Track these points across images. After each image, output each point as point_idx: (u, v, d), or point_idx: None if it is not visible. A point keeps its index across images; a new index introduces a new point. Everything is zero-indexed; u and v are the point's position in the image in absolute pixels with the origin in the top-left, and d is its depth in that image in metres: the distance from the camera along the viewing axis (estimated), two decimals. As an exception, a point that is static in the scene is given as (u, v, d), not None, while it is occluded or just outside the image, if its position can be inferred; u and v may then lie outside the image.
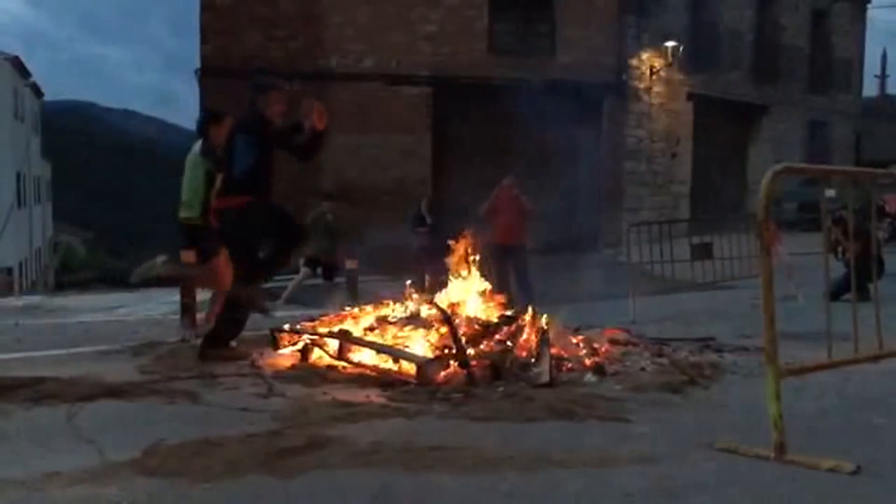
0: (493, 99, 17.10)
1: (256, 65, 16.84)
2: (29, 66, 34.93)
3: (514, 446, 3.30)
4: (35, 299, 14.47)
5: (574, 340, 5.51)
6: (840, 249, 8.15)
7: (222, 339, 5.42)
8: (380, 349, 4.93)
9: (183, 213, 6.28)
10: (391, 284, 6.81)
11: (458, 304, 5.70)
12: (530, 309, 5.62)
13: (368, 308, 5.88)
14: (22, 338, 6.80)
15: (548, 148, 17.53)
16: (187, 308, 6.79)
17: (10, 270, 29.86)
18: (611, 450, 3.26)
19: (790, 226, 16.36)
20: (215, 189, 5.68)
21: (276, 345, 5.61)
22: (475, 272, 6.06)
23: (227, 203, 5.35)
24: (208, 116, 6.32)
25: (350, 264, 10.69)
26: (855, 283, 3.98)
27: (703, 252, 11.40)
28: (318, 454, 3.17)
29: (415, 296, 5.75)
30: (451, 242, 6.21)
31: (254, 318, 5.72)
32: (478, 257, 6.12)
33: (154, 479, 2.88)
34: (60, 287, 32.75)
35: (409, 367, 4.62)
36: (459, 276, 6.03)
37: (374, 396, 4.29)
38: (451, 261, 6.13)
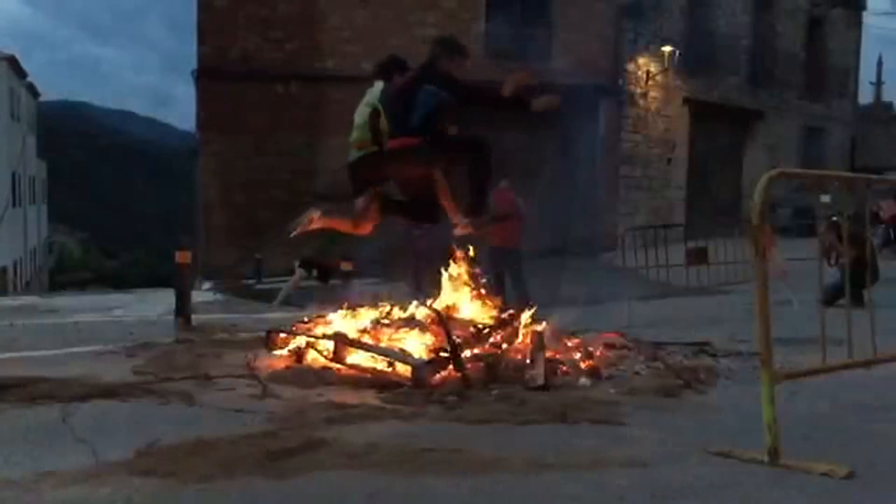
0: (489, 102, 17.11)
1: (253, 66, 16.88)
2: (25, 66, 34.89)
3: (508, 449, 3.31)
4: (30, 299, 14.44)
5: (569, 344, 5.51)
6: (834, 255, 8.17)
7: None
8: (375, 351, 4.92)
9: (353, 137, 6.17)
10: (387, 286, 6.81)
11: (453, 306, 5.70)
12: (525, 312, 5.63)
13: (364, 310, 5.87)
14: (16, 338, 6.78)
15: (544, 151, 17.56)
16: (182, 309, 6.79)
17: (4, 270, 29.78)
18: (605, 453, 3.26)
19: (785, 231, 16.41)
20: (381, 130, 5.68)
21: (270, 346, 5.61)
22: (471, 275, 6.06)
23: (402, 142, 5.41)
24: (398, 62, 6.29)
25: (345, 266, 10.70)
26: (849, 289, 3.99)
27: (698, 257, 11.45)
28: (312, 456, 3.17)
29: (410, 298, 5.75)
30: (447, 245, 6.21)
31: (253, 319, 5.72)
32: (473, 260, 6.11)
33: (148, 479, 2.88)
34: (55, 287, 32.76)
35: (404, 370, 4.62)
36: (455, 278, 6.02)
37: (369, 398, 4.29)
38: (448, 263, 6.12)
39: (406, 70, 5.97)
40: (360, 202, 5.94)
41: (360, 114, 6.02)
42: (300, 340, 5.41)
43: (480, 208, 5.61)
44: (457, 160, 5.61)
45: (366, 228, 6.04)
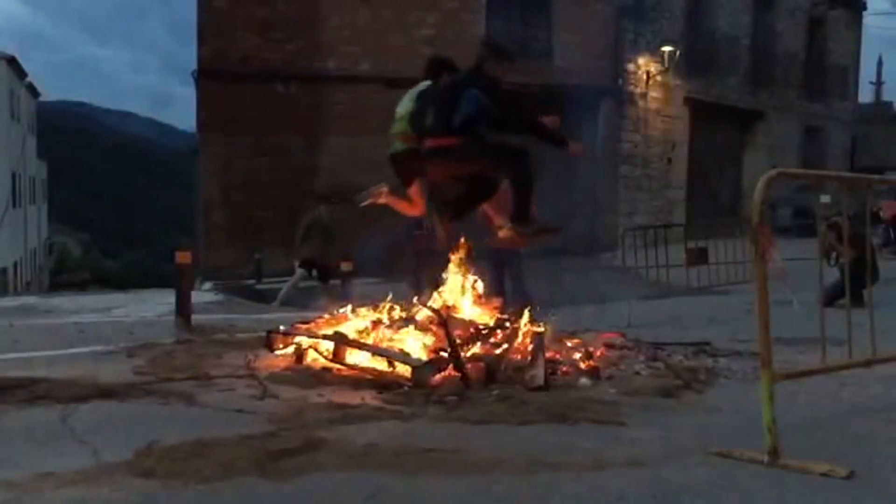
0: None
1: (254, 66, 16.87)
2: (25, 67, 34.90)
3: (508, 449, 3.31)
4: (30, 300, 14.43)
5: (569, 344, 5.51)
6: (834, 255, 8.17)
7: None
8: (375, 351, 4.92)
9: (395, 128, 6.24)
10: (387, 287, 6.81)
11: (453, 306, 5.70)
12: (525, 312, 5.63)
13: (364, 310, 5.88)
14: (17, 338, 6.78)
15: (544, 152, 17.54)
16: (182, 309, 6.79)
17: (4, 271, 29.78)
18: (605, 453, 3.26)
19: (785, 231, 16.41)
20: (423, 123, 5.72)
21: (270, 346, 5.61)
22: (471, 275, 6.06)
23: (441, 142, 5.42)
24: (447, 62, 6.34)
25: (345, 266, 10.70)
26: (849, 289, 4.00)
27: (698, 257, 11.46)
28: (312, 456, 3.17)
29: (410, 298, 5.75)
30: (447, 246, 6.21)
31: (253, 319, 5.72)
32: (474, 260, 6.12)
33: (148, 480, 2.88)
34: (55, 288, 32.73)
35: (403, 370, 4.62)
36: (455, 278, 6.02)
37: (369, 399, 4.29)
38: (447, 263, 6.12)
39: (455, 71, 6.06)
40: (412, 190, 6.09)
41: (404, 105, 6.10)
42: (300, 341, 5.41)
43: (524, 217, 5.57)
44: (495, 167, 5.60)
45: (418, 210, 6.20)
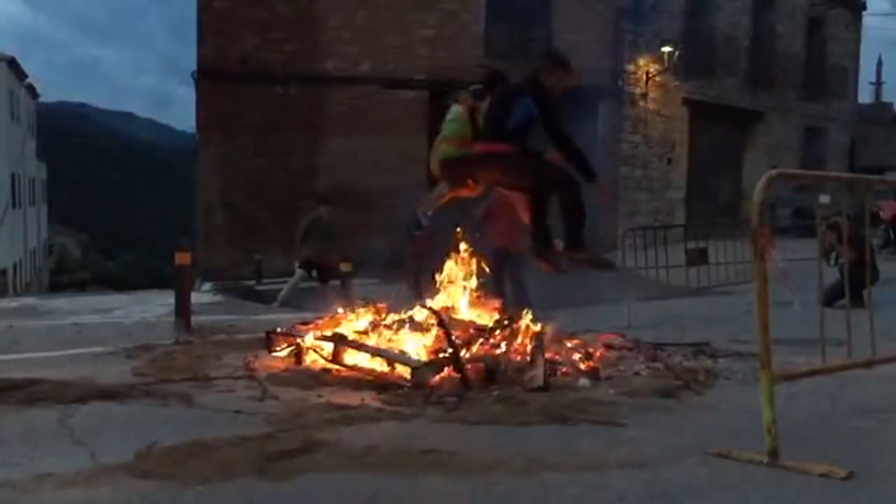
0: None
1: (253, 67, 16.87)
2: (25, 68, 34.91)
3: (507, 450, 3.30)
4: (29, 301, 14.43)
5: (569, 345, 5.51)
6: (834, 255, 8.16)
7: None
8: (374, 352, 4.92)
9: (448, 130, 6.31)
10: (387, 287, 6.81)
11: (452, 307, 5.70)
12: (525, 313, 5.62)
13: (363, 311, 5.87)
14: (16, 339, 6.77)
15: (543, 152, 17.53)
16: (181, 310, 6.79)
17: (4, 272, 29.77)
18: (604, 454, 3.26)
19: (784, 232, 16.41)
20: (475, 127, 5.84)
21: (270, 347, 5.61)
22: (471, 276, 6.06)
23: (492, 147, 5.46)
24: (501, 75, 6.46)
25: (345, 267, 10.70)
26: (849, 290, 3.99)
27: (698, 257, 11.45)
28: (311, 457, 3.17)
29: (410, 299, 5.75)
30: (446, 246, 6.22)
31: (252, 320, 5.72)
32: (474, 261, 6.11)
33: (147, 481, 2.88)
34: (55, 288, 32.73)
35: (403, 371, 4.62)
36: (455, 279, 6.02)
37: (369, 400, 4.29)
38: (447, 265, 6.12)
39: (502, 80, 6.18)
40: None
41: (455, 109, 6.21)
42: (300, 342, 5.40)
43: (578, 244, 5.54)
44: (544, 189, 5.57)
45: (479, 190, 6.27)
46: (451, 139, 6.12)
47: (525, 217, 5.84)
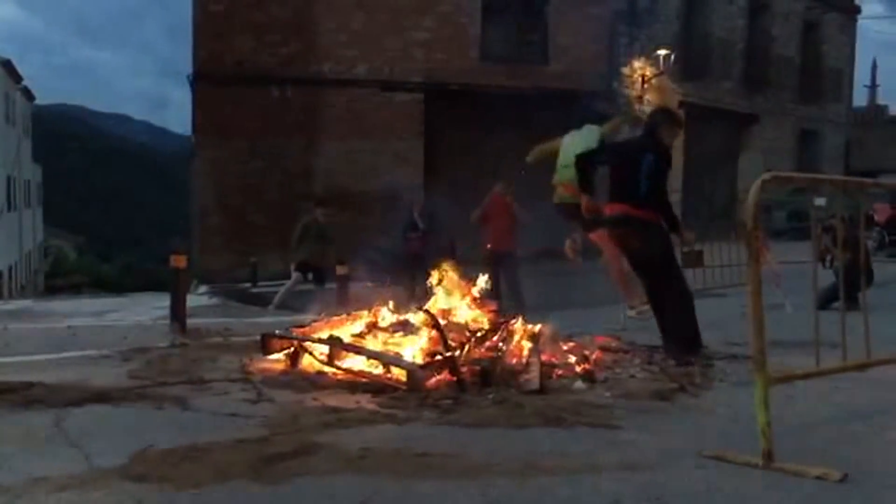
0: (485, 106, 17.13)
1: (249, 70, 16.87)
2: (21, 70, 34.85)
3: (503, 453, 3.31)
4: (25, 304, 14.40)
5: (564, 347, 5.51)
6: (829, 258, 8.18)
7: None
8: (370, 355, 4.92)
9: (565, 176, 6.70)
10: (383, 290, 6.81)
11: (448, 310, 5.70)
12: (521, 316, 5.62)
13: (359, 314, 5.87)
14: (10, 342, 6.76)
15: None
16: (177, 313, 6.78)
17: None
18: (600, 457, 3.26)
19: (779, 234, 16.43)
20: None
21: (266, 350, 5.59)
22: (466, 279, 6.06)
23: (635, 212, 5.56)
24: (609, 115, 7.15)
25: (341, 270, 10.69)
26: (843, 292, 4.00)
27: (693, 260, 11.44)
28: (307, 460, 3.16)
29: (405, 301, 5.75)
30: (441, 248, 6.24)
31: (248, 323, 5.71)
32: (469, 263, 6.13)
33: (141, 484, 2.87)
34: (50, 291, 32.65)
35: (399, 373, 4.62)
36: (450, 281, 6.02)
37: (364, 402, 4.29)
38: (443, 267, 6.12)
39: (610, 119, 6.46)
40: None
41: (574, 149, 6.52)
42: (295, 344, 5.40)
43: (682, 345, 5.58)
44: (654, 260, 5.68)
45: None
46: (567, 185, 6.51)
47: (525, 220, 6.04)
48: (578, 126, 7.37)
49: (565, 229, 7.80)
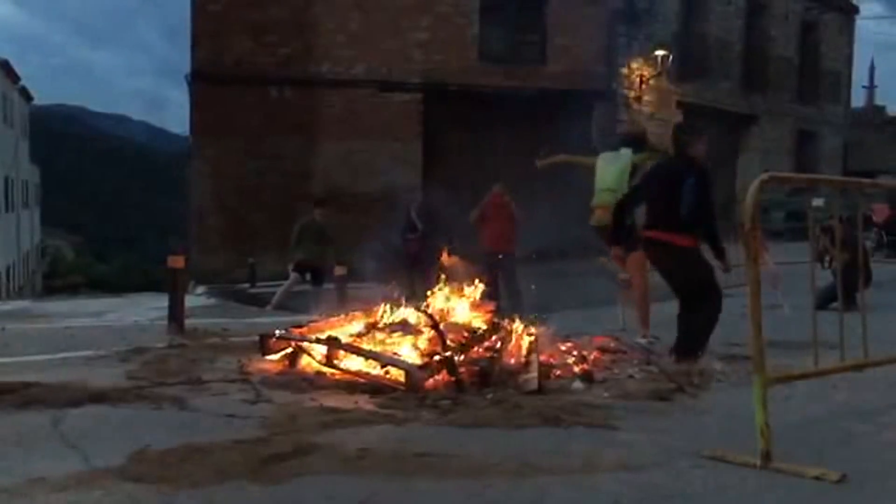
0: (484, 106, 17.13)
1: (248, 70, 16.86)
2: (19, 70, 34.81)
3: (501, 453, 3.30)
4: (22, 304, 14.38)
5: (563, 348, 5.52)
6: (827, 259, 8.19)
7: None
8: (368, 356, 4.91)
9: (607, 201, 6.73)
10: (381, 291, 6.81)
11: (446, 310, 5.70)
12: (519, 316, 5.63)
13: (357, 314, 5.87)
14: (8, 342, 6.75)
15: (538, 155, 17.55)
16: (175, 313, 6.77)
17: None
18: (598, 457, 3.26)
19: (777, 235, 16.44)
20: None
21: (264, 351, 5.59)
22: (464, 279, 6.07)
23: (674, 238, 5.58)
24: (643, 135, 7.39)
25: (339, 270, 10.68)
26: (842, 293, 4.00)
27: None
28: (305, 460, 3.16)
29: (404, 302, 5.75)
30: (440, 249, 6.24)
31: (246, 323, 5.71)
32: (467, 264, 6.13)
33: (139, 485, 2.87)
34: (48, 292, 32.60)
35: (397, 374, 4.62)
36: (448, 282, 6.03)
37: (362, 403, 4.28)
38: (441, 267, 6.13)
39: (646, 144, 6.88)
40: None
41: (610, 177, 6.82)
42: (294, 345, 5.39)
43: (691, 352, 5.59)
44: (692, 286, 5.70)
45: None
46: (606, 209, 6.58)
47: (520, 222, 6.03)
48: (615, 148, 7.36)
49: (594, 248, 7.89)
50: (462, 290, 6.02)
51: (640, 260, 6.60)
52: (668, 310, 6.46)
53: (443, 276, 6.11)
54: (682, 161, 5.74)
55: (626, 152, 7.16)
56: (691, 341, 5.57)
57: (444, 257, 7.47)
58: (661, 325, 7.57)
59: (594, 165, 7.37)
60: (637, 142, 7.16)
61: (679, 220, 5.51)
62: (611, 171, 7.07)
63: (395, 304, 5.79)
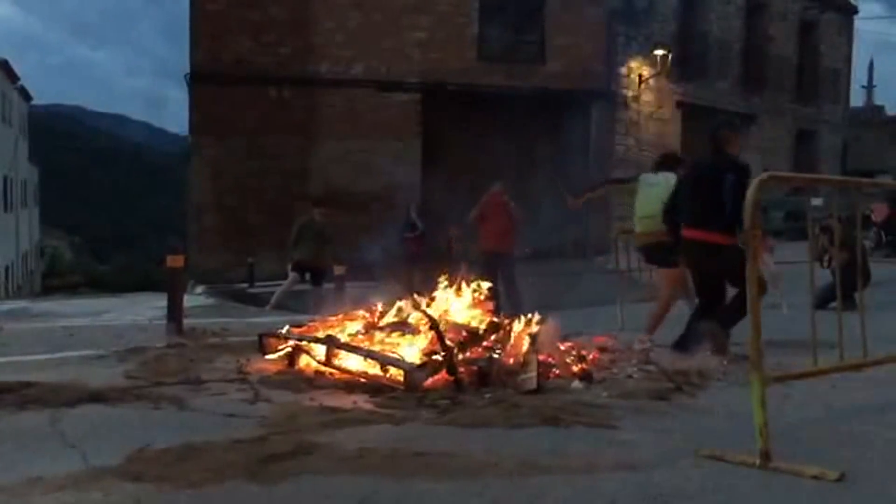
0: (483, 106, 17.14)
1: (247, 70, 16.86)
2: (18, 70, 34.80)
3: (500, 453, 3.30)
4: (21, 304, 14.38)
5: (562, 347, 5.52)
6: (826, 258, 8.19)
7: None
8: (367, 355, 4.91)
9: (649, 228, 6.75)
10: (380, 290, 6.81)
11: (445, 310, 5.70)
12: (518, 316, 5.62)
13: (356, 313, 5.87)
14: (7, 342, 6.75)
15: (536, 155, 17.57)
16: (173, 313, 6.77)
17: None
18: (597, 456, 3.26)
19: (777, 234, 16.45)
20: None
21: (263, 350, 5.59)
22: (463, 278, 6.06)
23: (718, 239, 5.58)
24: (677, 158, 7.19)
25: (339, 270, 10.69)
26: (840, 292, 4.00)
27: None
28: (304, 460, 3.16)
29: (403, 301, 5.75)
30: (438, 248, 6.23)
31: (245, 323, 5.71)
32: (466, 263, 6.13)
33: (138, 484, 2.86)
34: (47, 291, 32.60)
35: (396, 373, 4.62)
36: (447, 281, 6.02)
37: (361, 402, 4.28)
38: (440, 267, 6.13)
39: (682, 163, 6.68)
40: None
41: (649, 204, 6.67)
42: (293, 344, 5.39)
43: (721, 342, 5.67)
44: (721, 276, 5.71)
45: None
46: (649, 235, 6.65)
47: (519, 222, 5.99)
48: (654, 170, 7.25)
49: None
50: (461, 289, 6.01)
51: (674, 276, 6.63)
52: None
53: (443, 273, 6.09)
54: (722, 159, 5.73)
55: (665, 176, 6.96)
56: (728, 320, 5.59)
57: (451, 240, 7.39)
58: (662, 325, 7.57)
59: (635, 189, 7.25)
60: (673, 162, 7.04)
61: (723, 219, 5.50)
62: (651, 196, 6.90)
63: (395, 303, 5.79)
